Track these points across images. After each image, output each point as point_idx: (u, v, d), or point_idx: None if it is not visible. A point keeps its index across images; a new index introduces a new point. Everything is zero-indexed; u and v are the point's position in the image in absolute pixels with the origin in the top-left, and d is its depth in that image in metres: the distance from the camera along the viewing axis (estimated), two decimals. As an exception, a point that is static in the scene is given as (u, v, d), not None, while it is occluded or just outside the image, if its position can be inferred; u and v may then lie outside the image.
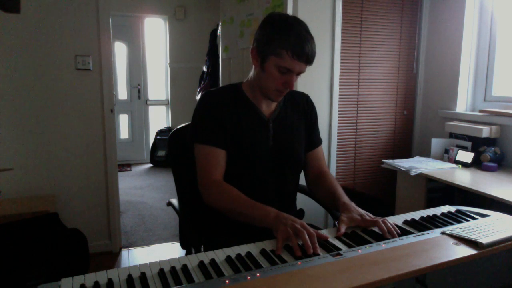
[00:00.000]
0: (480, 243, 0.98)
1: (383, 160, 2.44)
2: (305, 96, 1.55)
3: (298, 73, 1.30)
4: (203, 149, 1.34)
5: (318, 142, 1.54)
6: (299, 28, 1.26)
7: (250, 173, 1.38)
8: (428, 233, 1.09)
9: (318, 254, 0.97)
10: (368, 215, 1.18)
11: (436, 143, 2.53)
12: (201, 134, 1.35)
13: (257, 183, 1.38)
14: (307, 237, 1.02)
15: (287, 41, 1.23)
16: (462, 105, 2.64)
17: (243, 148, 1.36)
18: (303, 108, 1.51)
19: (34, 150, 2.59)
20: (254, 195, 1.26)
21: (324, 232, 1.12)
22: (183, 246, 1.63)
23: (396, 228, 1.12)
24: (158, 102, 5.76)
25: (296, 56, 1.24)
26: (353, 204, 1.26)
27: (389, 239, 1.07)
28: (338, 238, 1.09)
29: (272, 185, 1.41)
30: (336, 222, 1.21)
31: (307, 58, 1.26)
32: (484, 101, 2.57)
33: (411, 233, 1.10)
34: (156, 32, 5.59)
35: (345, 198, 1.31)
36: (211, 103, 1.37)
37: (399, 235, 1.09)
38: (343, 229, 1.12)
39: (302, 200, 1.65)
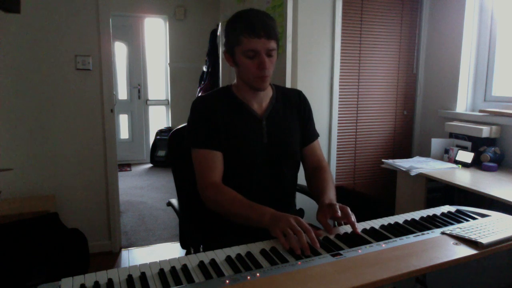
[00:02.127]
0: (480, 243, 0.98)
1: (383, 160, 2.44)
2: (297, 92, 1.55)
3: (268, 53, 1.30)
4: (200, 153, 1.35)
5: (314, 136, 1.53)
6: (248, 13, 1.31)
7: (247, 172, 1.38)
8: (428, 233, 1.09)
9: (319, 254, 0.97)
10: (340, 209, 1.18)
11: (436, 143, 2.53)
12: (196, 138, 1.36)
13: (255, 181, 1.39)
14: (304, 238, 1.01)
15: (240, 27, 1.28)
16: (462, 105, 2.64)
17: (239, 147, 1.37)
18: (296, 103, 1.50)
19: (34, 150, 2.59)
20: (252, 193, 1.26)
21: (323, 232, 1.12)
22: (183, 246, 1.63)
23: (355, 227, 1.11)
24: (158, 102, 5.76)
25: (252, 34, 1.26)
26: (326, 202, 1.24)
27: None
28: (338, 238, 1.09)
29: (270, 183, 1.41)
30: (336, 223, 1.21)
31: (264, 32, 1.27)
32: (484, 101, 2.57)
33: (411, 233, 1.10)
34: (156, 32, 5.59)
35: (325, 196, 1.29)
36: (202, 108, 1.39)
37: (399, 235, 1.08)
38: (332, 229, 1.13)
39: (302, 200, 1.65)
